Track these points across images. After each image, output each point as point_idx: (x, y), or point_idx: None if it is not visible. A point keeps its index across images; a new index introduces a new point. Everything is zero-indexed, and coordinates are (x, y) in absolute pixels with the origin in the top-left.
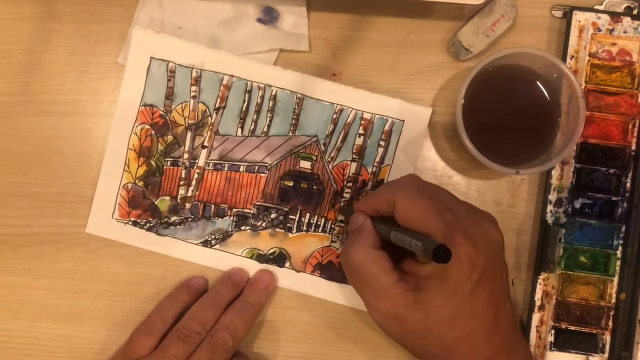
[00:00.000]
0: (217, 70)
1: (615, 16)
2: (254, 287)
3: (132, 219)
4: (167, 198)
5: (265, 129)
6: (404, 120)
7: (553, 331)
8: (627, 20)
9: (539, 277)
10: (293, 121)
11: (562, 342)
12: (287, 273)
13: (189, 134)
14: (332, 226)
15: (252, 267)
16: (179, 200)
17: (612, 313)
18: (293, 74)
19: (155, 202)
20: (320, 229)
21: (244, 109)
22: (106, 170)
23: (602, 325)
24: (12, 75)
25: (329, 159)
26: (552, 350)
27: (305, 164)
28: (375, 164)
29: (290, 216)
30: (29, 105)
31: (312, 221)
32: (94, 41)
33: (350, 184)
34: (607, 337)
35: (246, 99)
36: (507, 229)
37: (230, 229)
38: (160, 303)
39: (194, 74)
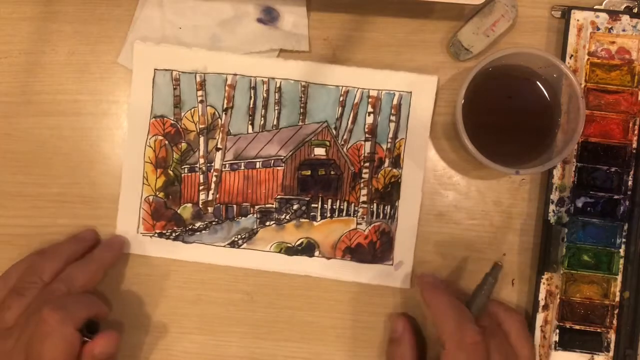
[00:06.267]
0: (220, 71)
1: (613, 15)
2: (102, 244)
3: (158, 231)
4: (189, 205)
5: (275, 122)
6: (411, 92)
7: (557, 330)
8: (625, 18)
9: (543, 276)
10: (301, 110)
11: (567, 341)
12: (317, 262)
13: (201, 139)
14: (356, 208)
15: (282, 262)
16: (200, 206)
17: (616, 311)
18: (295, 63)
19: (178, 211)
20: (344, 213)
21: (251, 106)
22: (126, 186)
23: (607, 323)
24: (12, 75)
25: (343, 142)
26: (557, 350)
27: (319, 151)
28: (389, 140)
29: (313, 205)
30: (29, 105)
31: (334, 207)
32: (94, 41)
33: (367, 164)
34: (612, 336)
35: (252, 95)
36: (508, 229)
37: (255, 227)
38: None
39: (198, 79)
